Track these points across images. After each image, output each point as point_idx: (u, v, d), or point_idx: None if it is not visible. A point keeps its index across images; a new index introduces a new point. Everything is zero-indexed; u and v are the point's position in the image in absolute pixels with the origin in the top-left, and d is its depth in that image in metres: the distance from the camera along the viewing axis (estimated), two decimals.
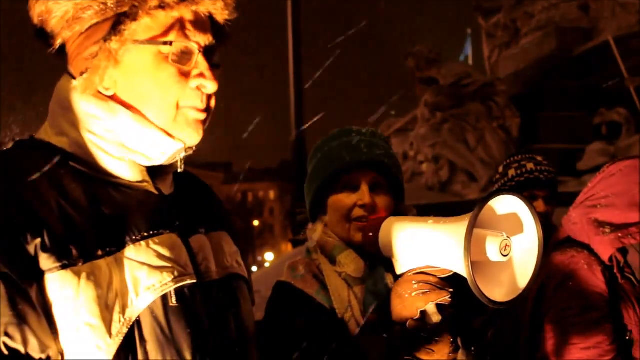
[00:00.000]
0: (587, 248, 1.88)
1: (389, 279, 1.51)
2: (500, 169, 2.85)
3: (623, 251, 1.86)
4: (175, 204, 1.11)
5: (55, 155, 1.01)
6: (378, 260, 1.49)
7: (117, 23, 0.99)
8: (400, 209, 1.60)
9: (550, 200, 2.69)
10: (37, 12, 1.04)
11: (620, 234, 1.80)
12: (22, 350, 0.88)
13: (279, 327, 1.49)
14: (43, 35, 1.06)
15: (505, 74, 14.19)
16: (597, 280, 1.81)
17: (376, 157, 1.58)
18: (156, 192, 1.08)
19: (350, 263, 1.51)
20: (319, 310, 1.49)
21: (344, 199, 1.54)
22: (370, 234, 1.39)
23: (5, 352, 0.87)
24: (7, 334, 0.87)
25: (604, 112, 12.34)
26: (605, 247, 1.83)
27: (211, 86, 1.05)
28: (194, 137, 1.07)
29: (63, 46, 1.05)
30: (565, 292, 1.82)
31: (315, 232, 1.59)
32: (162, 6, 1.00)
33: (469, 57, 21.73)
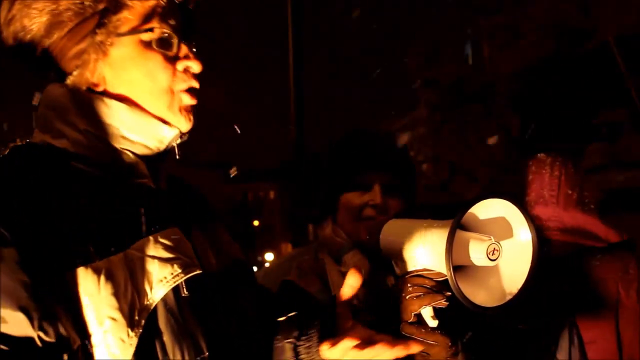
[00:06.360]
0: (619, 246, 1.83)
1: (390, 280, 1.51)
2: None
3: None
4: (172, 199, 1.14)
5: (59, 157, 1.03)
6: (381, 261, 1.49)
7: (100, 19, 1.03)
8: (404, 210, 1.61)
9: None
10: (11, 31, 1.06)
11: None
12: (56, 344, 0.90)
13: None
14: (21, 52, 1.08)
15: (505, 74, 14.19)
16: None
17: (392, 159, 1.60)
18: (154, 187, 1.10)
19: (355, 264, 1.50)
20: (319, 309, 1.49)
21: (355, 199, 1.54)
22: (371, 235, 1.39)
23: (40, 345, 0.89)
24: (41, 329, 0.89)
25: (604, 112, 12.32)
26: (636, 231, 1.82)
27: (196, 66, 1.08)
28: (186, 123, 1.10)
29: (45, 56, 1.07)
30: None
31: (324, 230, 1.60)
32: None
33: (469, 57, 21.71)
